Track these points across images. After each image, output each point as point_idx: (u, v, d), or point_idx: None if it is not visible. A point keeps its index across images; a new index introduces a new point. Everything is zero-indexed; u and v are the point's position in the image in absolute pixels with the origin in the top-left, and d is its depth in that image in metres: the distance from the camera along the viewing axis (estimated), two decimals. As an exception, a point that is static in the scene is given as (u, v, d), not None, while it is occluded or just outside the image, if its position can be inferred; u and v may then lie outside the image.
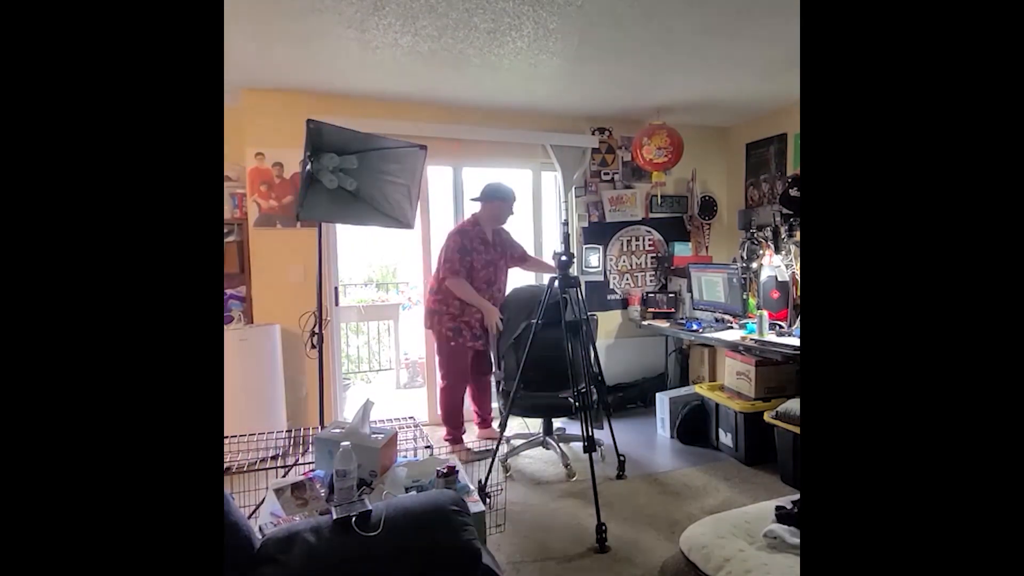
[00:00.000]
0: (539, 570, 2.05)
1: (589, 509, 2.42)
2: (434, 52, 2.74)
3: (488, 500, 2.24)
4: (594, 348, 2.90)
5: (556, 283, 2.66)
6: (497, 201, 3.22)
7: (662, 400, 3.50)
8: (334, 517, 1.20)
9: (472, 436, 3.43)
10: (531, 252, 4.18)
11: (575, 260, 3.04)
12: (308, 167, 2.12)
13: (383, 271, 6.71)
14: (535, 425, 3.26)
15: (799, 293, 3.32)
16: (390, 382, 5.32)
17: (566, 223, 3.06)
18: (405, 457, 1.95)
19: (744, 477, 2.83)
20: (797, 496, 1.87)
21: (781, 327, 3.20)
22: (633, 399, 4.09)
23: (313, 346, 2.35)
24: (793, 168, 3.87)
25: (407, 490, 1.64)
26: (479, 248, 3.18)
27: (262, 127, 3.31)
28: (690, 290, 3.95)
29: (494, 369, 3.16)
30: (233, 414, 2.70)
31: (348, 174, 2.27)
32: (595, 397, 2.74)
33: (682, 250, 4.22)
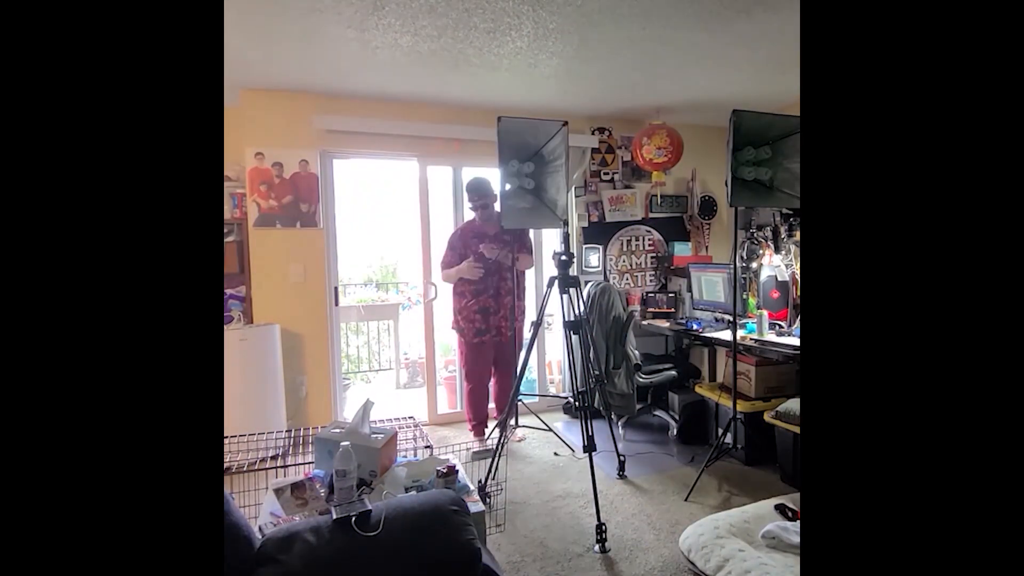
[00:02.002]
0: (539, 570, 2.05)
1: (589, 509, 2.42)
2: (434, 52, 2.74)
3: (488, 500, 2.24)
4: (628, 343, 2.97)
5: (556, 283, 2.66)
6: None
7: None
8: (334, 517, 1.20)
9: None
10: (531, 252, 4.18)
11: (575, 260, 3.04)
12: (729, 162, 2.40)
13: (383, 271, 6.70)
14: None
15: (799, 293, 3.32)
16: (390, 382, 5.32)
17: (566, 223, 3.05)
18: (405, 457, 1.95)
19: (744, 477, 2.83)
20: (797, 496, 1.88)
21: (781, 327, 3.20)
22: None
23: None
24: (793, 168, 3.87)
25: (407, 490, 1.64)
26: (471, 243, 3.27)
27: (262, 127, 3.31)
28: (690, 290, 3.95)
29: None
30: (233, 414, 2.72)
31: (761, 165, 2.50)
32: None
33: (682, 250, 4.22)
